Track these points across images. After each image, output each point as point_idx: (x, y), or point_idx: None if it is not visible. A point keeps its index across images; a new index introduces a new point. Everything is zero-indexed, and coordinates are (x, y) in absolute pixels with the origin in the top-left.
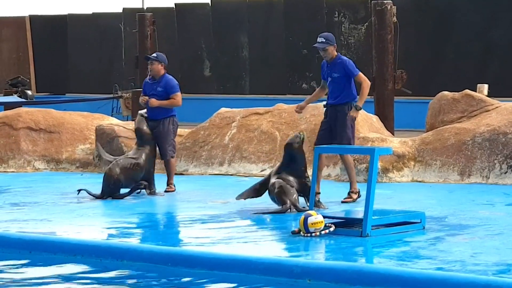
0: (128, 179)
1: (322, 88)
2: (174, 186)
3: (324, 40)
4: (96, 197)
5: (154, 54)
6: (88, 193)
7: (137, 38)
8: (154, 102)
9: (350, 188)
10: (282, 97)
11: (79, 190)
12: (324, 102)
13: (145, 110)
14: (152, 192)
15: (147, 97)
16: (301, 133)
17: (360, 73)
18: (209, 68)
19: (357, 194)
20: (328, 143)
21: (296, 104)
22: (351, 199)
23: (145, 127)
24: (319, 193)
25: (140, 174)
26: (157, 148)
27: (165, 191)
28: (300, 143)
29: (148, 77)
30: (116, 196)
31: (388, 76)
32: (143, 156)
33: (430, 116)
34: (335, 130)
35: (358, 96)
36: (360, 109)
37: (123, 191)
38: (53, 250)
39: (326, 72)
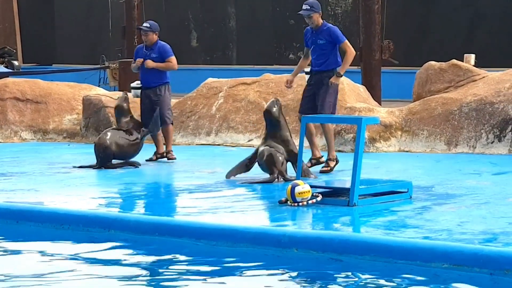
0: (120, 147)
1: (306, 57)
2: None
3: (309, 7)
4: (92, 167)
5: (147, 24)
6: (84, 166)
7: (124, 8)
8: (150, 63)
9: (328, 155)
10: (269, 67)
11: (75, 167)
12: (307, 69)
13: (137, 82)
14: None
15: (141, 59)
16: (277, 98)
17: (347, 41)
18: (196, 38)
19: (335, 161)
20: (313, 110)
21: (283, 75)
22: (329, 168)
23: (126, 106)
24: (321, 156)
25: (131, 140)
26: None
27: (168, 159)
28: (278, 107)
29: (141, 44)
30: (108, 166)
31: (375, 46)
32: (132, 125)
33: (417, 86)
34: (319, 96)
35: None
36: (341, 76)
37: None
38: (40, 220)
39: (311, 39)
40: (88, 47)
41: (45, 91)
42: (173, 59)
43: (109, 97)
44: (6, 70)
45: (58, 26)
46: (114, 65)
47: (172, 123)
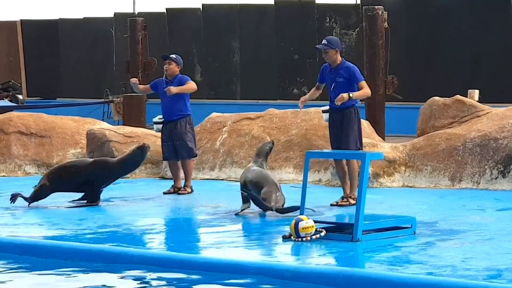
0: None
1: (317, 89)
2: (190, 189)
3: (326, 43)
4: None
5: (173, 55)
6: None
7: (128, 43)
8: (172, 89)
9: (351, 192)
10: (273, 102)
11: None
12: (323, 108)
13: (159, 116)
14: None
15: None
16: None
17: (364, 81)
18: (200, 73)
19: (355, 201)
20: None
21: (287, 110)
22: (348, 203)
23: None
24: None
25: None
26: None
27: (178, 193)
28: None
29: (161, 78)
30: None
31: (379, 81)
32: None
33: (421, 121)
34: (341, 134)
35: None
36: (351, 98)
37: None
38: (44, 254)
39: (329, 77)
40: (92, 81)
41: (49, 125)
42: (191, 81)
43: (113, 131)
44: (10, 104)
45: (62, 60)
46: (118, 99)
47: (192, 157)
